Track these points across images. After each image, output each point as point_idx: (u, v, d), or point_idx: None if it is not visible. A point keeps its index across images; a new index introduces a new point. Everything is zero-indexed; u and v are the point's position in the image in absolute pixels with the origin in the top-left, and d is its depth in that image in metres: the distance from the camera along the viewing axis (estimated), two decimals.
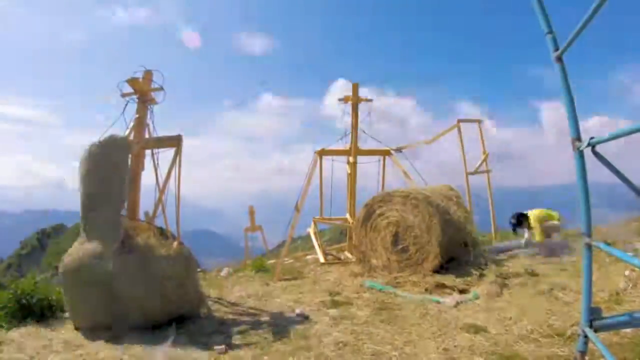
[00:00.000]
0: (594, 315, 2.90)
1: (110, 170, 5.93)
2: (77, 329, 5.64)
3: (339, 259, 10.42)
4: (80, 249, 5.77)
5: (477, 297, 5.88)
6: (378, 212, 7.86)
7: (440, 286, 6.49)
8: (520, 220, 8.74)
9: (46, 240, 53.88)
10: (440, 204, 7.56)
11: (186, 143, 6.49)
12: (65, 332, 5.64)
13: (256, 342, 4.84)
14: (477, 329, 4.65)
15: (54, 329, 5.76)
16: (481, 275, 6.74)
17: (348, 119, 10.87)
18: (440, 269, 7.20)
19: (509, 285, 6.20)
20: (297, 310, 5.80)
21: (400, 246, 7.48)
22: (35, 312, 6.10)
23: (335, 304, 6.15)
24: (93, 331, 5.46)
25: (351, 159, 10.75)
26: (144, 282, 5.45)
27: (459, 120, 10.43)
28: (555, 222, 8.58)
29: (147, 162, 6.60)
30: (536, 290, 5.80)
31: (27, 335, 5.53)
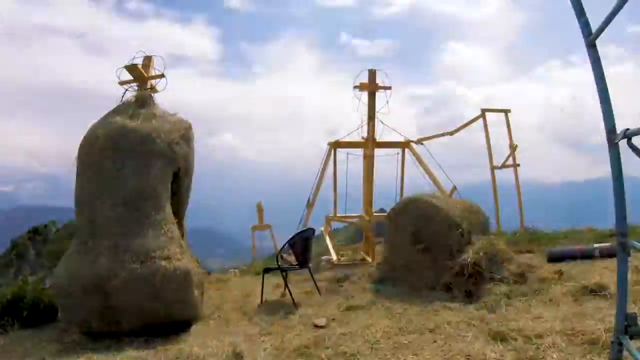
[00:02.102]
0: (629, 321, 2.92)
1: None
2: (69, 334, 5.76)
3: (358, 259, 10.48)
4: (74, 252, 5.88)
5: None
6: (399, 209, 7.91)
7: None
8: None
9: (39, 238, 54.60)
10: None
11: None
12: (57, 337, 5.75)
13: (265, 351, 4.90)
14: (502, 337, 4.65)
15: (45, 334, 5.86)
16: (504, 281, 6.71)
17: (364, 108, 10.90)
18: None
19: (538, 289, 6.18)
20: (315, 321, 5.77)
21: (422, 245, 7.49)
22: (26, 316, 6.22)
23: (351, 310, 6.18)
24: (86, 337, 5.59)
25: (368, 152, 10.77)
26: (142, 286, 5.54)
27: (484, 110, 10.39)
28: None
29: None
30: (566, 293, 5.79)
31: (15, 340, 5.63)
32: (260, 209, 12.09)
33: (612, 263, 7.15)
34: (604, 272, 6.54)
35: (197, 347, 4.93)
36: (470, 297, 6.28)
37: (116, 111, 6.41)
